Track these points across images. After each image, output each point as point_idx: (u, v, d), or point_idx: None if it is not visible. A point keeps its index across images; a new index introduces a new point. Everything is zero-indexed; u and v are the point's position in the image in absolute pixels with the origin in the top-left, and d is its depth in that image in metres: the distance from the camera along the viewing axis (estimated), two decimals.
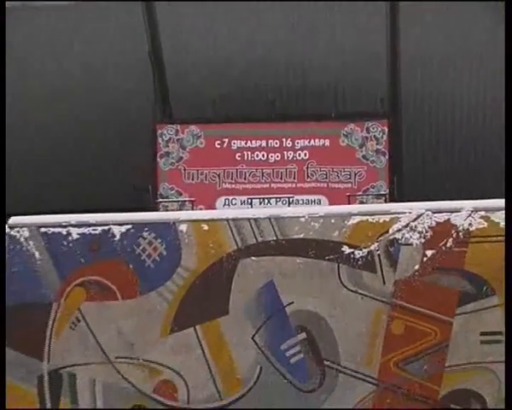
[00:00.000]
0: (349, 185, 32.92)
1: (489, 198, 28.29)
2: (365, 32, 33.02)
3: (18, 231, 28.25)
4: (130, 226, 28.07)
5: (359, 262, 27.85)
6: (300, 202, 32.23)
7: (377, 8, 33.33)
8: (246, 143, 33.84)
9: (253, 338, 27.82)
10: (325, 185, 33.16)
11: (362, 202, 31.99)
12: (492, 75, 35.34)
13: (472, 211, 27.76)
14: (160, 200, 32.82)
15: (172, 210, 31.93)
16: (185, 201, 32.74)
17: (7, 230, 28.37)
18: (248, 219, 27.51)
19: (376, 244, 27.76)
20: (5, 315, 8.78)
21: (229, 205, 32.76)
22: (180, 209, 32.25)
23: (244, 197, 32.86)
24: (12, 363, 28.07)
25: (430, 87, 34.05)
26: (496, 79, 34.97)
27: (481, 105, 34.68)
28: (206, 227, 27.84)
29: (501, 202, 27.70)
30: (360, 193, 32.58)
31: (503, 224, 27.43)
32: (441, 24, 34.14)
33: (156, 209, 32.08)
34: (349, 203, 31.82)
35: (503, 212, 27.96)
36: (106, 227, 28.15)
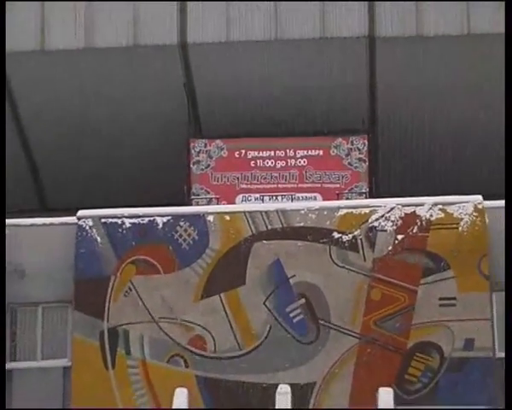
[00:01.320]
0: (338, 185, 32.75)
1: (446, 195, 29.62)
2: (349, 67, 32.27)
3: (84, 221, 29.61)
4: (170, 217, 29.74)
5: (346, 244, 29.34)
6: (300, 198, 32.16)
7: (359, 45, 32.70)
8: (258, 154, 33.60)
9: (264, 303, 29.03)
10: (319, 185, 33.02)
11: (347, 198, 31.94)
12: (452, 100, 34.46)
13: (432, 205, 29.73)
14: (193, 197, 32.69)
15: (202, 205, 31.87)
16: (212, 198, 32.66)
17: (76, 220, 29.51)
18: (260, 212, 29.92)
19: (359, 230, 29.36)
20: (5, 315, 8.29)
21: (245, 201, 32.58)
22: (208, 204, 32.17)
23: (257, 195, 32.72)
24: (80, 323, 28.97)
25: (401, 110, 33.53)
26: (455, 102, 34.09)
27: (441, 122, 33.87)
28: (227, 218, 29.94)
29: (455, 198, 29.41)
30: (346, 191, 32.50)
31: (456, 214, 29.24)
32: (412, 59, 33.34)
33: (190, 204, 31.97)
34: (338, 199, 31.85)
35: (457, 205, 29.35)
36: (151, 218, 29.72)
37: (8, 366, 29.87)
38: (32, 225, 30.50)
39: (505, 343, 10.42)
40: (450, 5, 32.10)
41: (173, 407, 28.41)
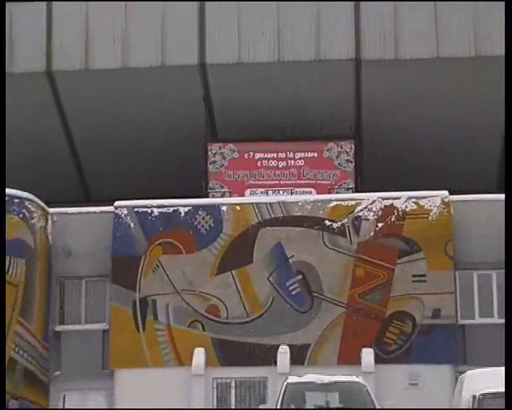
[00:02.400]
0: (329, 182, 32.59)
1: (419, 190, 29.52)
2: (339, 84, 31.90)
3: (120, 210, 29.87)
4: (190, 207, 30.10)
5: (335, 230, 29.63)
6: (298, 192, 32.07)
7: (346, 66, 32.42)
8: (264, 155, 33.49)
9: (268, 278, 29.34)
10: (314, 182, 32.86)
11: (337, 193, 31.76)
12: (425, 112, 34.07)
13: (407, 198, 29.99)
14: (210, 191, 32.66)
15: (217, 197, 31.88)
16: (225, 191, 32.62)
17: (113, 209, 29.74)
18: (265, 203, 30.25)
19: (346, 219, 29.71)
20: (5, 316, 7.68)
21: (253, 194, 32.49)
22: (222, 197, 32.18)
23: (262, 189, 32.61)
24: (116, 293, 29.22)
25: (382, 120, 33.25)
26: (427, 114, 33.66)
27: (415, 131, 33.39)
28: (238, 208, 30.37)
29: (426, 193, 29.44)
30: (336, 187, 32.34)
31: (426, 206, 29.42)
32: (391, 78, 33.06)
33: (207, 196, 31.94)
34: (329, 193, 31.66)
35: (428, 198, 29.34)
36: (175, 208, 30.09)
37: (58, 328, 30.43)
38: (77, 213, 30.71)
39: (505, 344, 9.48)
40: (423, 31, 32.08)
41: (193, 363, 28.45)
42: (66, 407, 29.86)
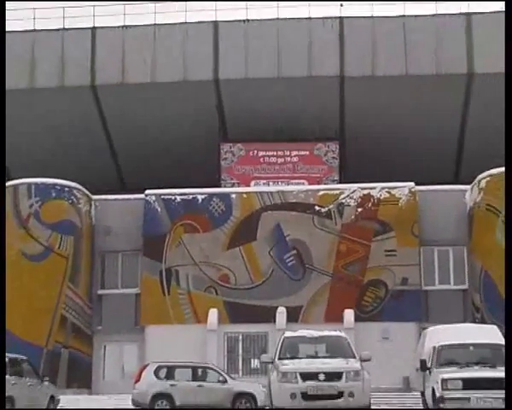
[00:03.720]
0: (318, 175, 32.41)
1: (391, 182, 29.55)
2: (326, 96, 31.57)
3: (149, 197, 29.80)
4: (206, 195, 30.19)
5: (323, 214, 29.64)
6: (293, 183, 31.90)
7: (332, 82, 32.07)
8: (265, 153, 33.33)
9: (269, 253, 29.32)
10: (306, 175, 32.67)
11: (325, 184, 31.65)
12: (397, 119, 33.59)
13: (381, 188, 30.08)
14: (222, 182, 32.55)
15: (228, 187, 31.76)
16: (234, 182, 32.46)
17: (144, 196, 29.70)
18: (266, 192, 30.44)
19: (332, 205, 29.77)
20: (5, 315, 6.94)
21: (257, 185, 32.36)
22: (232, 186, 32.03)
23: (264, 181, 32.46)
24: (146, 264, 29.16)
25: (362, 124, 33.01)
26: (399, 120, 33.18)
27: (390, 134, 32.89)
28: (245, 196, 30.55)
29: (396, 184, 29.32)
30: (324, 179, 32.16)
31: (397, 195, 29.56)
32: (369, 91, 32.77)
33: (220, 186, 31.78)
34: (318, 184, 31.48)
35: (398, 188, 29.13)
36: (194, 196, 30.12)
37: (99, 292, 30.38)
38: (115, 199, 30.73)
39: (505, 345, 9.24)
40: (395, 53, 31.74)
41: (208, 320, 28.47)
42: (107, 355, 29.75)
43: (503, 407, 14.76)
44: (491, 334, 17.29)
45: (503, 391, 14.51)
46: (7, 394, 16.08)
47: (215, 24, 32.83)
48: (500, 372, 15.01)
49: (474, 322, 26.32)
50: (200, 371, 21.78)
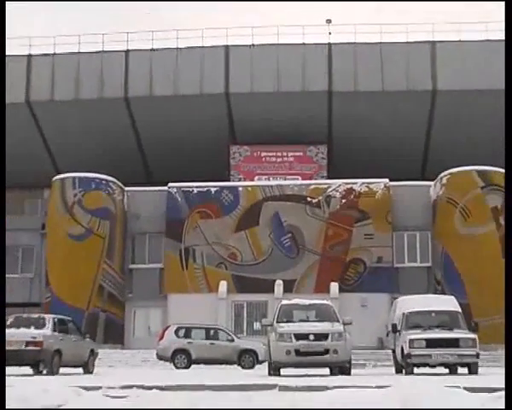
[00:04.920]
0: (310, 172, 32.37)
1: (370, 178, 29.55)
2: (317, 108, 31.28)
3: (171, 189, 29.76)
4: (218, 188, 30.27)
5: (314, 204, 29.79)
6: (289, 178, 31.77)
7: (322, 96, 31.84)
8: (267, 154, 33.24)
9: (269, 235, 29.42)
10: (300, 172, 32.56)
11: (315, 179, 31.54)
12: (373, 126, 33.20)
13: (361, 183, 30.32)
14: (231, 177, 32.45)
15: (236, 181, 31.69)
16: (241, 178, 32.44)
17: (167, 188, 29.51)
18: (267, 186, 30.54)
19: (321, 197, 29.99)
20: (5, 316, 6.53)
21: (259, 180, 32.28)
22: (239, 181, 31.96)
23: (266, 176, 32.34)
24: (169, 244, 28.95)
25: (346, 130, 32.78)
26: (376, 127, 32.86)
27: (369, 138, 32.42)
28: (249, 189, 30.71)
29: (373, 180, 29.10)
30: (314, 176, 32.05)
31: (374, 189, 30.86)
32: (352, 103, 32.48)
33: (229, 181, 31.66)
34: (310, 179, 31.39)
35: (375, 183, 28.89)
36: (208, 188, 30.14)
37: (130, 266, 30.38)
38: (143, 191, 30.67)
39: (505, 344, 8.99)
40: (373, 71, 31.65)
41: (219, 290, 28.56)
42: (136, 318, 29.73)
43: (458, 360, 15.21)
44: (450, 303, 17.25)
45: (458, 349, 15.07)
46: (56, 347, 16.33)
47: (226, 48, 32.77)
48: (455, 334, 15.40)
49: (436, 293, 26.36)
50: (212, 331, 21.94)
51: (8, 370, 16.27)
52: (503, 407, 4.99)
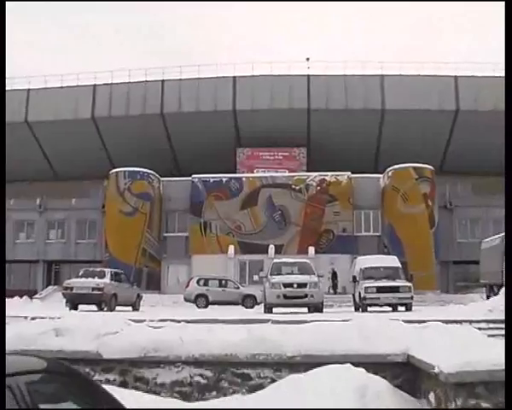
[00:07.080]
0: (293, 167, 31.82)
1: (338, 171, 28.95)
2: (299, 121, 30.65)
3: (194, 179, 29.49)
4: (227, 178, 30.11)
5: (296, 190, 29.49)
6: (279, 171, 31.12)
7: (301, 113, 31.08)
8: (263, 153, 32.75)
9: (264, 213, 29.26)
10: (287, 167, 31.99)
11: (298, 172, 31.03)
12: (350, 129, 32.25)
13: (331, 175, 30.18)
14: (237, 170, 31.97)
15: (240, 174, 31.31)
16: (244, 171, 32.16)
17: (191, 179, 29.08)
18: (264, 176, 30.38)
19: (302, 185, 29.80)
20: (5, 315, 6.07)
21: (258, 172, 31.88)
22: (243, 173, 31.60)
23: (262, 170, 32.02)
24: (193, 218, 28.59)
25: (322, 136, 31.93)
26: (352, 131, 31.08)
27: (343, 140, 31.16)
28: (251, 179, 30.75)
29: (340, 173, 28.37)
30: (298, 170, 31.50)
31: (340, 179, 30.73)
32: (328, 116, 31.42)
33: (236, 173, 31.10)
34: (294, 172, 30.94)
35: (341, 175, 28.41)
36: (220, 178, 29.69)
37: (165, 234, 29.96)
38: (174, 181, 30.38)
39: (505, 346, 6.95)
40: (337, 97, 31.20)
41: (228, 252, 28.29)
42: (169, 271, 29.33)
43: (399, 302, 15.15)
44: (393, 261, 17.28)
45: (398, 293, 15.09)
46: (113, 292, 16.40)
47: (234, 78, 32.45)
48: (397, 283, 15.46)
49: (383, 254, 25.53)
50: (223, 281, 21.86)
51: (80, 307, 16.53)
52: (429, 334, 4.99)
